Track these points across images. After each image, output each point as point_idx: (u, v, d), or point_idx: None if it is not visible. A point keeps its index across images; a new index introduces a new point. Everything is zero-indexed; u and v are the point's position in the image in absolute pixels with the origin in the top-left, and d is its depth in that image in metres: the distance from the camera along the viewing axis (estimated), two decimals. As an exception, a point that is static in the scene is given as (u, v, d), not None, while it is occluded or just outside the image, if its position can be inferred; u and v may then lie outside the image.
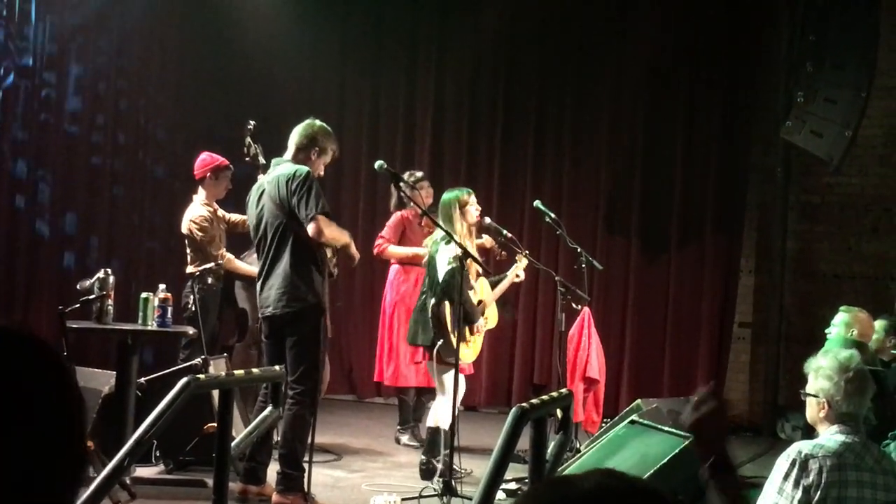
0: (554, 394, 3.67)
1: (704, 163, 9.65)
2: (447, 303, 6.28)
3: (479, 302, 6.71)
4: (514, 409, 3.18)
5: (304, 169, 5.47)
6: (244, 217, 7.23)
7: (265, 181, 5.64)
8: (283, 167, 5.55)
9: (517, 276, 7.12)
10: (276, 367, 4.22)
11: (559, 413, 3.78)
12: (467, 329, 6.53)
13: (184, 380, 3.45)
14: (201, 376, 3.70)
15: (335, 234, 5.57)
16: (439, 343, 6.27)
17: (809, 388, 3.65)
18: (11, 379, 1.20)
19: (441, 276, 6.31)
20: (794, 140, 8.38)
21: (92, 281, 5.80)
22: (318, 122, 5.76)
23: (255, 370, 4.54)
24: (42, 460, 1.20)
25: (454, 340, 6.13)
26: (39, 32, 8.20)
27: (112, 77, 8.89)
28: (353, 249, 5.87)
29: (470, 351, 6.65)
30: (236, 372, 3.92)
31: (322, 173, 5.81)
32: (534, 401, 3.36)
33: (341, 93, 10.34)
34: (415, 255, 7.48)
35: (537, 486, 1.21)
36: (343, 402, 9.80)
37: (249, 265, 7.02)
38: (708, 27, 9.59)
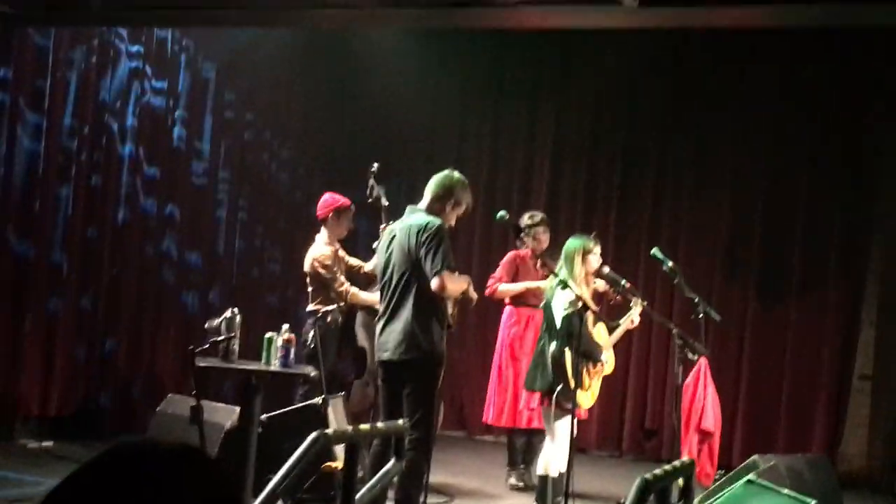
0: (676, 463, 3.65)
1: (828, 211, 9.50)
2: (567, 348, 6.30)
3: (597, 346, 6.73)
4: (638, 481, 3.18)
5: (437, 222, 5.53)
6: (362, 263, 7.42)
7: (397, 227, 5.71)
8: (416, 216, 5.62)
9: (632, 321, 7.13)
10: (399, 421, 4.30)
11: (680, 481, 3.76)
12: (588, 370, 6.56)
13: (313, 435, 3.53)
14: (329, 431, 3.79)
15: (457, 288, 5.63)
16: (559, 388, 6.25)
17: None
18: (178, 498, 1.23)
19: (558, 320, 6.33)
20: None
21: (219, 321, 5.98)
22: (456, 174, 5.79)
23: (379, 424, 4.64)
24: None
25: (573, 385, 6.17)
26: (176, 85, 8.58)
27: (238, 129, 9.25)
28: (472, 292, 5.93)
29: (588, 396, 6.66)
30: (362, 426, 4.00)
31: (454, 224, 5.87)
32: (657, 471, 3.35)
33: (460, 139, 10.49)
34: (526, 290, 7.53)
35: None
36: (454, 439, 9.88)
37: (373, 296, 7.16)
38: (833, 71, 9.44)
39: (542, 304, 6.79)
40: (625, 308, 7.27)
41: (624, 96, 10.14)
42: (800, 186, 9.59)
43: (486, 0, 5.26)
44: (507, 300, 7.84)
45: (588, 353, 6.48)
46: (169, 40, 8.45)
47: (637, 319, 7.17)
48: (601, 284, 7.22)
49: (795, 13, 5.04)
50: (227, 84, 9.09)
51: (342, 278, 7.33)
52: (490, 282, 7.76)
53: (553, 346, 6.35)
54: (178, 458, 1.29)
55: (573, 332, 6.21)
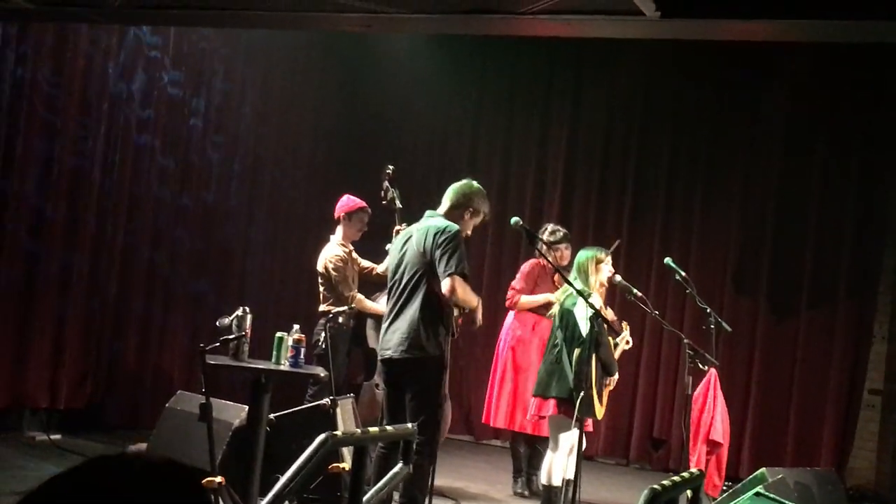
0: (685, 474, 3.65)
1: (839, 224, 9.47)
2: (592, 357, 6.24)
3: None
4: (646, 491, 3.17)
5: (455, 227, 5.56)
6: (374, 265, 7.43)
7: (415, 229, 5.74)
8: (435, 220, 5.66)
9: (627, 342, 7.06)
10: (409, 425, 4.29)
11: (689, 493, 3.75)
12: (605, 382, 6.53)
13: (321, 437, 3.54)
14: (338, 432, 3.79)
15: (467, 297, 5.61)
16: (581, 396, 6.13)
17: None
18: None
19: (584, 328, 6.26)
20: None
21: (231, 318, 5.95)
22: (475, 184, 5.86)
23: (388, 427, 4.63)
24: None
25: (595, 396, 6.16)
26: (191, 80, 8.60)
27: (253, 129, 9.27)
28: (479, 315, 5.91)
29: (602, 407, 6.62)
30: (371, 429, 4.00)
31: (469, 233, 5.88)
32: (665, 482, 3.35)
33: (474, 145, 10.51)
34: (546, 302, 7.43)
35: None
36: (461, 443, 9.89)
37: (379, 305, 7.16)
38: (846, 87, 9.41)
39: (553, 312, 6.74)
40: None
41: (636, 106, 10.14)
42: (811, 198, 9.56)
43: (506, 8, 5.24)
44: (507, 299, 7.81)
45: (607, 365, 6.45)
46: (186, 38, 8.49)
47: (630, 341, 7.12)
48: (610, 314, 7.16)
49: (820, 28, 5.01)
50: (242, 83, 9.11)
51: (351, 283, 7.34)
52: (510, 293, 7.71)
53: (576, 353, 6.27)
54: (162, 471, 1.26)
55: (600, 342, 6.18)
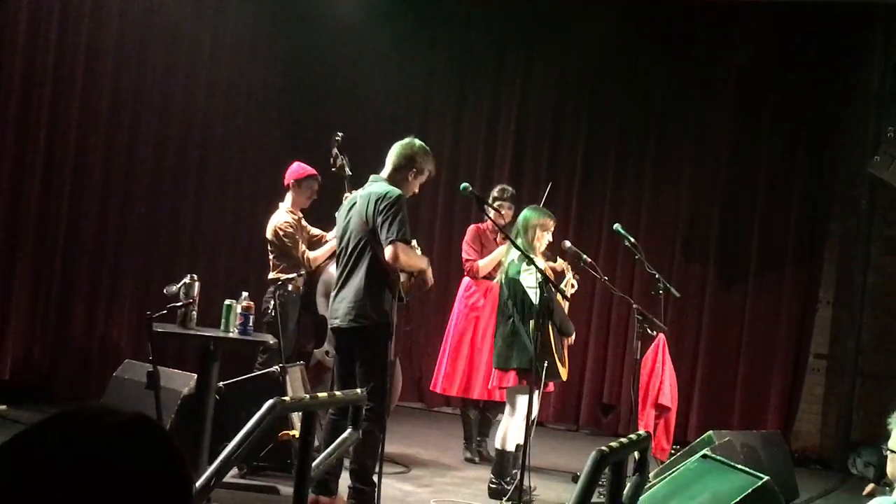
0: (632, 436, 3.67)
1: (787, 191, 9.57)
2: (549, 324, 6.25)
3: None
4: (594, 453, 3.19)
5: (396, 192, 5.52)
6: (324, 233, 7.39)
7: (359, 195, 5.71)
8: (377, 185, 5.62)
9: (572, 285, 7.00)
10: (358, 391, 4.28)
11: (636, 454, 3.78)
12: (563, 344, 6.55)
13: (269, 402, 3.51)
14: (287, 398, 3.77)
15: (411, 261, 5.62)
16: (546, 365, 6.17)
17: (892, 444, 3.60)
18: (126, 469, 1.21)
19: (535, 298, 6.27)
20: (881, 175, 8.28)
21: (178, 286, 5.89)
22: (417, 142, 5.79)
23: (337, 392, 4.62)
24: None
25: (557, 362, 6.19)
26: (137, 39, 8.43)
27: (201, 92, 9.11)
28: (429, 275, 5.91)
29: (565, 368, 6.63)
30: (320, 394, 3.98)
31: (416, 192, 5.86)
32: (613, 444, 3.36)
33: (425, 109, 10.44)
34: (499, 255, 7.43)
35: None
36: (411, 410, 9.90)
37: (329, 243, 7.17)
38: (798, 59, 9.48)
39: (500, 278, 6.72)
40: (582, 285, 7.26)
41: (588, 71, 10.13)
42: (759, 166, 9.65)
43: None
44: (465, 272, 7.81)
45: (563, 328, 6.47)
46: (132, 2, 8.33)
47: (576, 283, 7.05)
48: (561, 263, 7.18)
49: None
50: (190, 50, 8.95)
51: (302, 246, 7.30)
52: (466, 264, 7.71)
53: (531, 323, 6.23)
54: (132, 426, 1.26)
55: (552, 307, 6.19)
